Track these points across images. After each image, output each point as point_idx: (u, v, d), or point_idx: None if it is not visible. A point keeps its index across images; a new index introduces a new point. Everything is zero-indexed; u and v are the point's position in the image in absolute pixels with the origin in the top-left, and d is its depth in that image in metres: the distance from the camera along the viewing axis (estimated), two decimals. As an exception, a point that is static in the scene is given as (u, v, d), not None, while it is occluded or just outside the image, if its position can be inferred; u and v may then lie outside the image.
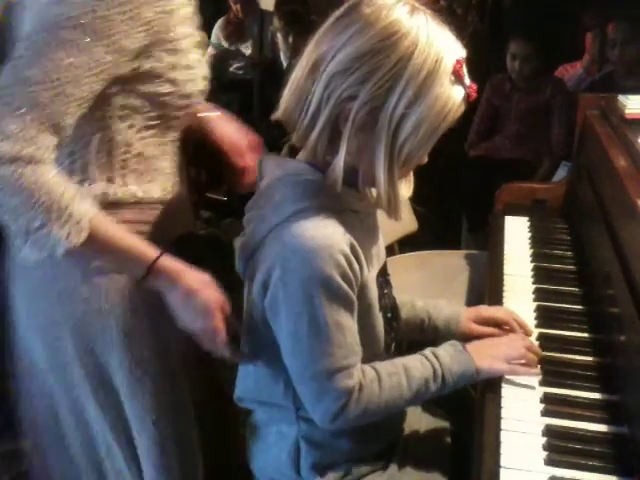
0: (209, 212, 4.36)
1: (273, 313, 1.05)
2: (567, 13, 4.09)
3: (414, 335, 1.34)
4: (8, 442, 2.35)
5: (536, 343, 1.29)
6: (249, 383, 1.20)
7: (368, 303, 1.10)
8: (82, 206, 1.06)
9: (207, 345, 1.14)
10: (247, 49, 4.83)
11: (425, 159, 1.07)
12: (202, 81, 1.27)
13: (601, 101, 1.87)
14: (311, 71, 1.00)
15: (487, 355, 1.17)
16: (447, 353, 1.14)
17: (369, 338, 1.12)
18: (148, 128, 1.20)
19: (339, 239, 1.01)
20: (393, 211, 1.06)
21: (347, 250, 1.01)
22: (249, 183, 1.36)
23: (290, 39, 3.76)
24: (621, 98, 1.76)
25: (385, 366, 1.11)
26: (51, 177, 1.04)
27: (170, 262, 1.13)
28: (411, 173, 1.12)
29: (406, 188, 1.12)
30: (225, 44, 4.74)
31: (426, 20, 0.98)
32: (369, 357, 1.12)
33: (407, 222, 2.40)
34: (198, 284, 1.13)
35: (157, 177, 1.25)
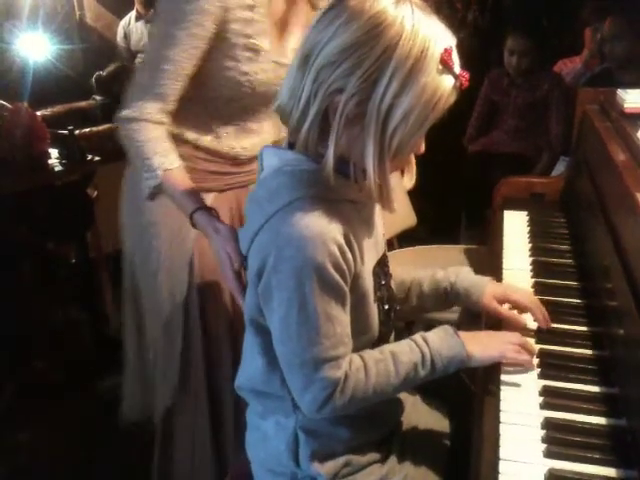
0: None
1: (266, 300, 1.06)
2: (566, 8, 4.09)
3: (439, 308, 1.35)
4: (8, 435, 2.37)
5: (535, 336, 1.30)
6: (248, 371, 1.20)
7: (362, 293, 1.10)
8: (160, 159, 1.41)
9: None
10: None
11: (422, 149, 1.07)
12: (259, 84, 1.53)
13: (600, 95, 1.87)
14: (301, 64, 1.01)
15: (479, 342, 1.17)
16: (437, 337, 1.14)
17: (363, 327, 1.13)
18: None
19: (333, 229, 1.01)
20: (386, 202, 1.06)
21: (341, 240, 1.02)
22: None
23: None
24: (620, 92, 1.76)
25: (372, 353, 1.12)
26: (148, 136, 1.42)
27: (200, 219, 1.39)
28: (414, 165, 1.13)
29: (408, 179, 1.14)
30: None
31: (412, 10, 0.97)
32: (363, 346, 1.12)
33: (406, 217, 2.41)
34: (213, 239, 1.36)
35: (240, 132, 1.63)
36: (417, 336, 1.15)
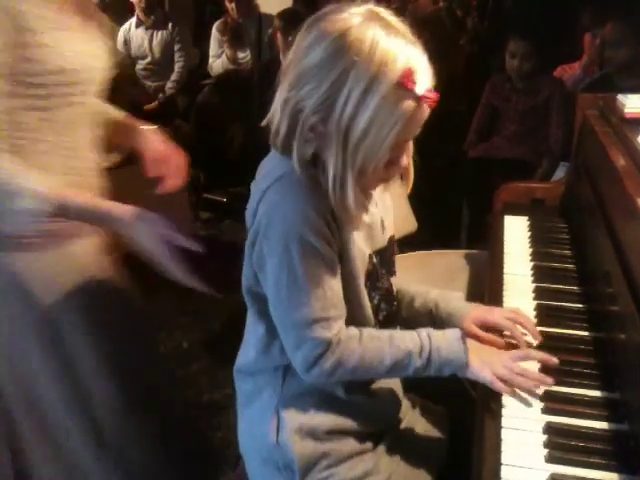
0: (208, 213, 4.39)
1: (260, 267, 1.11)
2: (566, 13, 4.11)
3: (427, 325, 1.33)
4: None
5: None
6: (250, 342, 1.23)
7: (350, 272, 1.13)
8: (34, 181, 1.23)
9: (160, 266, 1.27)
10: (245, 57, 4.82)
11: (404, 162, 1.09)
12: (71, 58, 1.33)
13: (600, 101, 1.87)
14: (281, 81, 1.06)
15: (482, 358, 1.16)
16: (443, 336, 1.16)
17: (354, 312, 1.16)
18: (30, 109, 1.30)
19: (316, 199, 1.05)
20: (345, 216, 1.07)
21: (323, 209, 1.05)
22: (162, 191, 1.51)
23: (290, 39, 3.78)
24: (620, 97, 1.76)
25: (370, 330, 1.16)
26: (4, 166, 1.22)
27: (112, 209, 1.28)
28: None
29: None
30: (227, 51, 4.75)
31: (374, 31, 0.98)
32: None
33: (407, 222, 2.41)
34: (129, 226, 1.27)
35: (54, 154, 1.36)
36: (423, 329, 1.17)
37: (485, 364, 1.15)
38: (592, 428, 1.09)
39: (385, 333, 1.16)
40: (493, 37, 4.35)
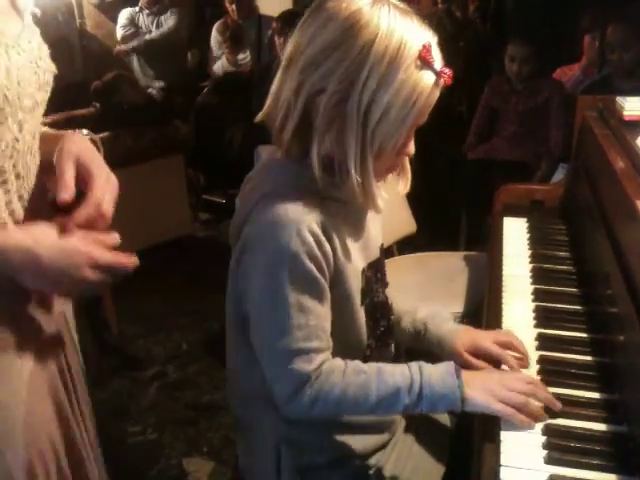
0: (207, 214, 4.40)
1: (244, 286, 1.06)
2: (566, 16, 4.11)
3: (413, 345, 1.31)
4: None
5: (535, 343, 1.30)
6: (237, 381, 1.20)
7: (346, 292, 1.09)
8: None
9: (95, 288, 0.97)
10: (245, 59, 4.84)
11: (411, 150, 1.08)
12: None
13: (599, 102, 1.88)
14: (285, 69, 1.03)
15: (482, 386, 1.08)
16: (436, 370, 1.07)
17: (348, 332, 1.12)
18: None
19: (310, 218, 1.01)
20: (370, 202, 1.05)
21: (317, 230, 1.01)
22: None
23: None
24: (619, 99, 1.76)
25: (357, 364, 1.08)
26: None
27: (17, 252, 0.90)
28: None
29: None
30: (227, 53, 4.77)
31: (388, 9, 0.98)
32: (349, 354, 1.10)
33: (406, 224, 2.41)
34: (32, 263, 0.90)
35: None
36: (414, 363, 1.09)
37: (487, 393, 1.07)
38: (591, 430, 1.09)
39: (373, 367, 1.07)
40: (494, 38, 4.36)
